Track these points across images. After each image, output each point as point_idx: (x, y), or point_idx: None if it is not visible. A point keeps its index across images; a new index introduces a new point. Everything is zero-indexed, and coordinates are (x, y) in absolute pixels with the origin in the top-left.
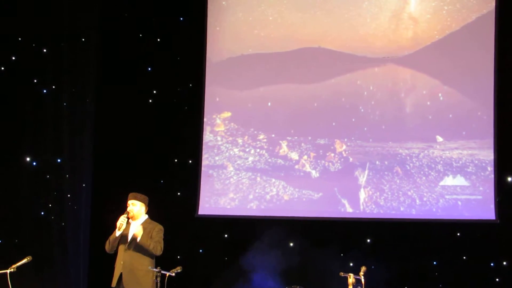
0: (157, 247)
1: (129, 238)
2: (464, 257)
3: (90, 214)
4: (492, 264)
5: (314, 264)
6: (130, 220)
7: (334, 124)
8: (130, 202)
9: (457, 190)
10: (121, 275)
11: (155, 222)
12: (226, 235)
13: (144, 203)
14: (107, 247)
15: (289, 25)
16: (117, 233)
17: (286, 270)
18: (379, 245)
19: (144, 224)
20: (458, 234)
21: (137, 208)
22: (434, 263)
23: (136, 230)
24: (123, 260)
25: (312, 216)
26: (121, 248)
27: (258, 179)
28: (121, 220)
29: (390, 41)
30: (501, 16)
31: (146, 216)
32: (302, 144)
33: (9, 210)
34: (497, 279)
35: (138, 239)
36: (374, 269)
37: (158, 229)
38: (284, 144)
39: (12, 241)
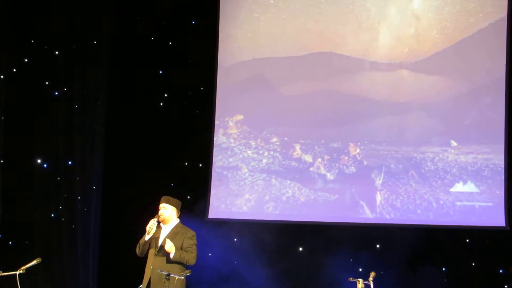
0: (191, 259)
1: (160, 242)
2: (473, 264)
3: (101, 217)
4: (501, 271)
5: (323, 268)
6: (161, 224)
7: (347, 128)
8: (161, 205)
9: (467, 196)
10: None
11: (186, 227)
12: (235, 239)
13: (176, 208)
14: (138, 250)
15: (300, 27)
16: (147, 237)
17: (295, 274)
18: (388, 250)
19: (175, 229)
20: (467, 240)
21: (168, 212)
22: (443, 269)
23: (167, 247)
24: (153, 265)
25: (323, 221)
26: (151, 252)
27: (273, 181)
28: (151, 224)
29: (397, 42)
30: None
31: (178, 221)
32: (316, 147)
33: (20, 212)
34: (505, 286)
35: (172, 256)
36: (383, 274)
37: (190, 235)
38: (297, 147)
39: (22, 243)
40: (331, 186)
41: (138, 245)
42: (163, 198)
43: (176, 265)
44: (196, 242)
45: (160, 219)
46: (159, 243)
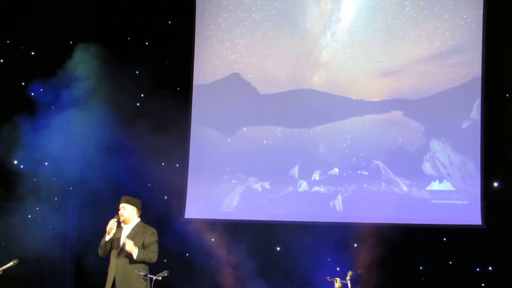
0: (153, 257)
1: (121, 242)
2: (450, 262)
3: (77, 218)
4: (478, 269)
5: (301, 268)
6: (122, 224)
7: (324, 127)
8: (121, 205)
9: (443, 195)
10: (114, 279)
11: (147, 225)
12: (212, 239)
13: (136, 207)
14: (100, 251)
15: (276, 26)
16: (107, 237)
17: (272, 274)
18: (365, 249)
19: (136, 228)
20: (445, 239)
21: (127, 212)
22: (421, 267)
23: (128, 247)
24: (116, 265)
25: (299, 220)
26: (114, 253)
27: (251, 181)
28: (111, 224)
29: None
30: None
31: (139, 220)
32: (295, 147)
33: None
34: (483, 284)
35: (135, 257)
36: (361, 273)
37: (150, 233)
38: (276, 147)
39: None
40: (310, 186)
41: (100, 246)
42: (123, 198)
43: (138, 264)
44: (157, 239)
45: (121, 219)
46: (121, 243)
